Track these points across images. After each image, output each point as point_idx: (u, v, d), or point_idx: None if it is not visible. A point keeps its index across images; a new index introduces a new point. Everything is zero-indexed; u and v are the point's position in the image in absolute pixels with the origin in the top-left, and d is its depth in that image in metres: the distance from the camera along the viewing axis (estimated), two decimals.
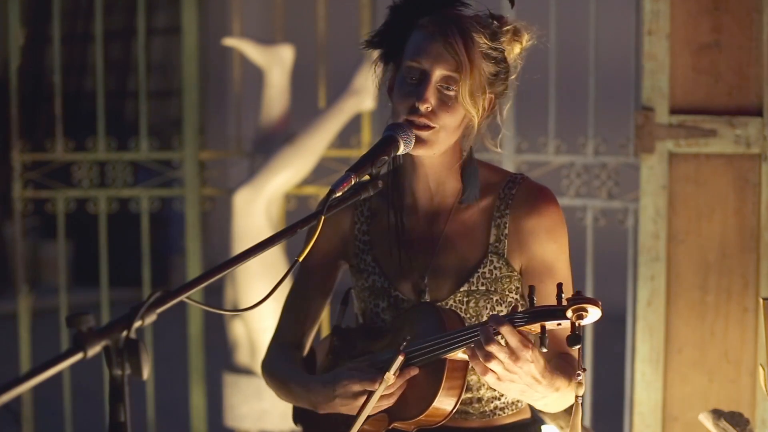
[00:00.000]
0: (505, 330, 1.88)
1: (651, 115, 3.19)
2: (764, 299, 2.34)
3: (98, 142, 4.38)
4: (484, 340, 1.89)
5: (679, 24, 3.15)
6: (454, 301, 2.13)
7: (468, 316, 2.13)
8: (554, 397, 1.99)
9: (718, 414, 2.65)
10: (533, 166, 3.96)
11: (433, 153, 2.10)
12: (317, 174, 4.36)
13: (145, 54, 4.46)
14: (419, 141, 2.06)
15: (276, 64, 4.25)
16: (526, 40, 2.16)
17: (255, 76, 4.55)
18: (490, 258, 2.13)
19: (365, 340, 2.21)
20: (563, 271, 2.14)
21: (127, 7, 9.21)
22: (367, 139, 4.30)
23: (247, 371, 4.19)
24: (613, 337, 4.60)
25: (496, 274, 2.13)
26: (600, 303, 1.85)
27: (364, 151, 3.58)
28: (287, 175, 4.12)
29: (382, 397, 2.02)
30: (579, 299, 1.84)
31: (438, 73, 2.04)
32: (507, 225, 2.13)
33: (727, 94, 3.14)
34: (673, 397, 3.21)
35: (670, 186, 3.18)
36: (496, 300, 2.13)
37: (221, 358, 4.39)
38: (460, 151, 2.15)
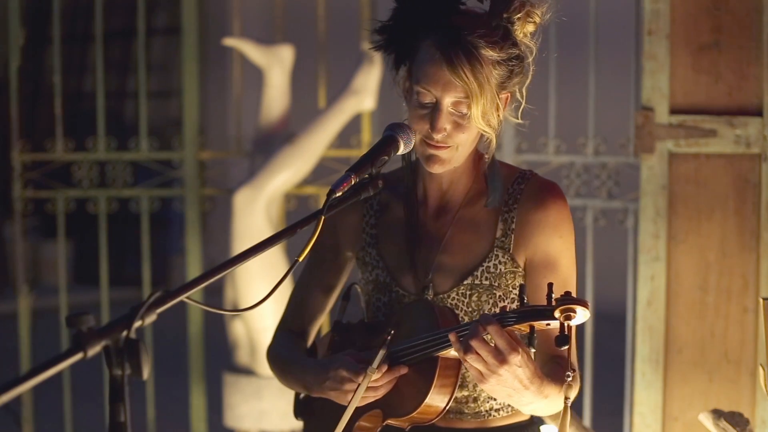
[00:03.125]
0: (493, 330, 1.88)
1: (651, 115, 3.19)
2: (764, 299, 2.34)
3: (98, 142, 4.38)
4: (470, 335, 1.90)
5: (679, 24, 3.15)
6: (457, 294, 2.13)
7: (470, 309, 2.13)
8: (543, 403, 2.00)
9: (718, 414, 2.66)
10: (533, 166, 3.95)
11: (453, 167, 2.11)
12: (317, 174, 4.36)
13: (145, 54, 4.46)
14: (438, 160, 2.08)
15: (276, 64, 4.25)
16: (539, 16, 2.12)
17: (255, 76, 4.55)
18: (495, 253, 2.13)
19: (365, 335, 2.22)
20: (567, 268, 2.14)
21: (127, 7, 9.20)
22: (367, 139, 4.30)
23: (247, 371, 4.19)
24: (613, 337, 4.60)
25: (500, 269, 2.13)
26: (588, 304, 1.86)
27: (364, 151, 3.58)
28: (287, 175, 4.12)
29: (368, 389, 2.03)
30: (567, 300, 1.85)
31: (448, 101, 2.03)
32: (514, 220, 2.14)
33: (727, 94, 3.14)
34: (673, 397, 3.21)
35: (670, 186, 3.19)
36: (499, 296, 2.13)
37: (221, 358, 4.39)
38: (476, 152, 2.16)
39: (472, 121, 2.03)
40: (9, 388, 1.42)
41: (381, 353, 2.02)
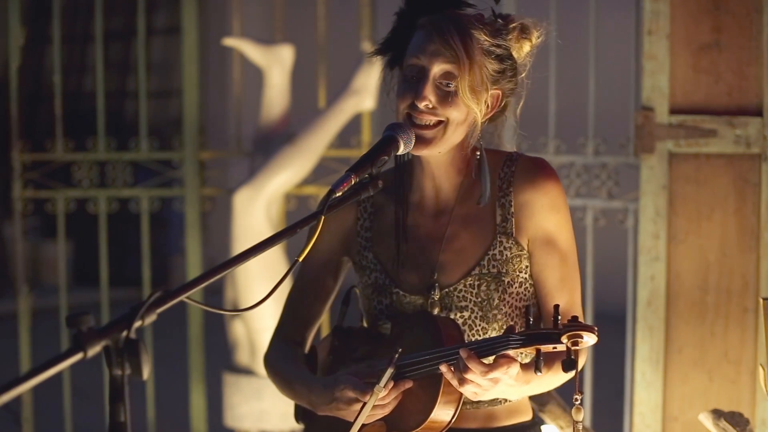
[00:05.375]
0: (479, 370, 1.92)
1: (651, 115, 3.19)
2: (764, 299, 2.34)
3: (98, 142, 4.38)
4: (462, 370, 1.94)
5: (679, 24, 3.15)
6: (464, 286, 2.13)
7: (479, 300, 2.13)
8: (524, 389, 2.06)
9: (718, 414, 2.66)
10: None
11: (438, 152, 2.10)
12: (317, 174, 4.36)
13: (145, 54, 4.46)
14: (423, 141, 2.07)
15: (276, 64, 4.25)
16: (535, 37, 2.16)
17: (255, 76, 4.55)
18: (499, 239, 2.14)
19: (366, 343, 2.21)
20: (566, 241, 2.16)
21: (127, 7, 9.22)
22: (367, 139, 4.30)
23: (247, 371, 4.19)
24: (613, 337, 4.60)
25: (506, 255, 2.14)
26: (596, 329, 1.88)
27: (364, 151, 3.58)
28: (287, 175, 4.12)
29: (375, 407, 2.03)
30: (574, 326, 1.87)
31: (436, 69, 2.04)
32: (512, 203, 2.15)
33: (727, 94, 3.14)
34: (673, 397, 3.21)
35: (670, 186, 3.19)
36: (507, 282, 2.14)
37: (221, 358, 4.39)
38: (466, 147, 2.15)
39: (459, 93, 2.04)
40: (9, 388, 1.42)
41: (389, 372, 2.01)
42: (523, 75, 2.16)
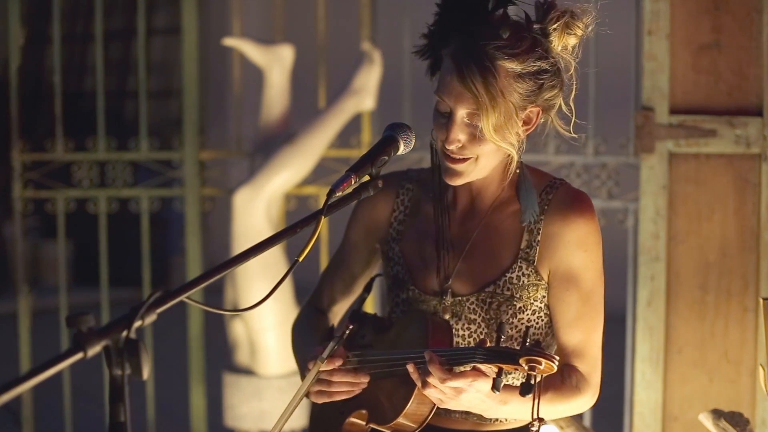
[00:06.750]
0: (440, 377, 1.92)
1: (651, 115, 3.19)
2: (764, 299, 2.34)
3: (98, 142, 4.38)
4: (427, 373, 1.94)
5: (679, 24, 3.15)
6: (477, 300, 2.12)
7: (488, 317, 2.12)
8: (503, 409, 2.03)
9: (718, 414, 2.66)
10: (533, 165, 3.95)
11: (475, 178, 2.09)
12: (317, 174, 4.36)
13: (145, 54, 4.46)
14: (455, 174, 2.07)
15: (276, 64, 4.25)
16: (581, 28, 2.08)
17: (255, 76, 4.55)
18: (519, 264, 2.12)
19: (373, 333, 2.24)
20: (590, 281, 2.11)
21: (127, 7, 9.21)
22: (367, 139, 4.30)
23: (247, 371, 4.19)
24: (613, 337, 4.60)
25: (523, 281, 2.11)
26: (557, 360, 1.86)
27: (364, 151, 3.57)
28: (287, 175, 4.12)
29: (342, 383, 2.07)
30: (533, 351, 1.86)
31: (461, 112, 2.01)
32: (540, 232, 2.12)
33: (727, 94, 3.14)
34: (673, 397, 3.21)
35: (670, 186, 3.19)
36: (519, 307, 2.12)
37: (221, 358, 4.39)
38: (507, 160, 2.13)
39: (485, 134, 2.00)
40: (9, 388, 1.42)
41: (330, 345, 2.06)
42: (570, 72, 2.08)
